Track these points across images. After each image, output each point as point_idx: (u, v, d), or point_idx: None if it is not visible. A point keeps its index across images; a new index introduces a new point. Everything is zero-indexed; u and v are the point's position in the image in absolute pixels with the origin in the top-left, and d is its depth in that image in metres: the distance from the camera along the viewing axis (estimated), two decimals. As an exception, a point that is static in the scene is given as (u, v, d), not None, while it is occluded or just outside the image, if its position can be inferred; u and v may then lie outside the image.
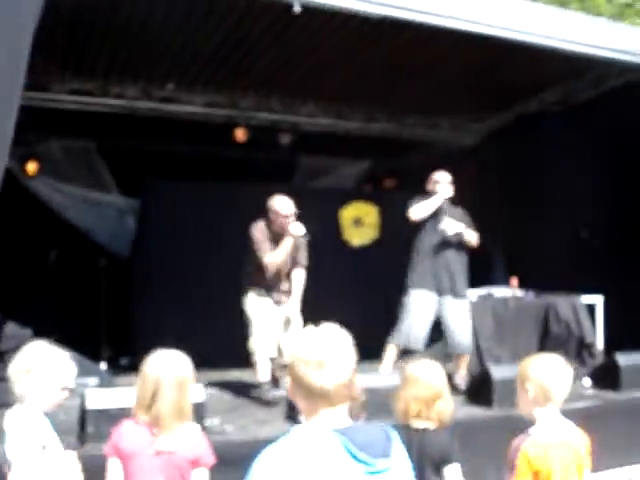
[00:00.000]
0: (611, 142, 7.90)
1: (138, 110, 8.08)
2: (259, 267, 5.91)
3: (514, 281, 7.59)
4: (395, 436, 2.04)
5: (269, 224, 5.94)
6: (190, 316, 8.00)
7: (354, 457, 1.90)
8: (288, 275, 6.07)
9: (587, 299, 7.58)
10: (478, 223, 9.39)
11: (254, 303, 5.94)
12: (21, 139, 7.98)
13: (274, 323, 5.92)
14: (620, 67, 7.13)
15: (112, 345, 8.16)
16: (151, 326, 7.58)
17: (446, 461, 3.08)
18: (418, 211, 6.33)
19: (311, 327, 2.08)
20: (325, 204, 8.99)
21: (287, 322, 5.96)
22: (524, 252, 8.72)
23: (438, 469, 3.07)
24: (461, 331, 6.42)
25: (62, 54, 7.06)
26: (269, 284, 5.98)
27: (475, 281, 7.55)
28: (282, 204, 5.86)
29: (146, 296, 8.21)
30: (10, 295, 7.36)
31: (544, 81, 8.18)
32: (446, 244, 6.46)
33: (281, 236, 5.88)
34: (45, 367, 2.98)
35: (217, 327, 7.47)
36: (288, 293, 6.05)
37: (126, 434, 2.88)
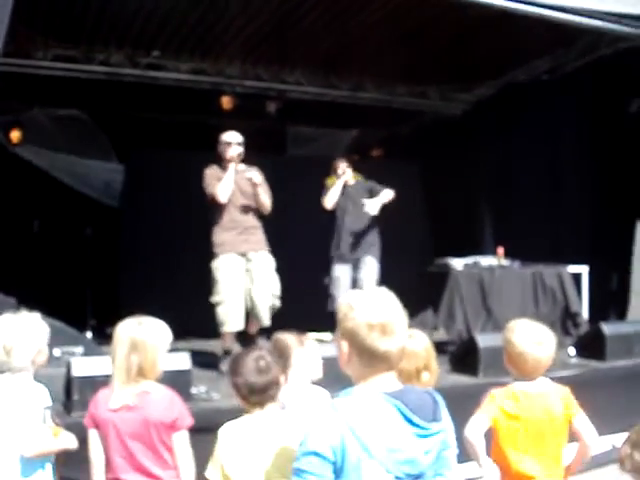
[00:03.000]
0: (598, 111, 7.89)
1: (123, 77, 7.99)
2: (219, 214, 5.90)
3: (500, 250, 7.60)
4: (441, 400, 2.06)
5: (219, 163, 5.98)
6: (176, 285, 8.00)
7: (408, 420, 1.93)
8: (253, 220, 6.02)
9: (573, 269, 7.61)
10: (465, 192, 9.44)
11: (222, 270, 5.87)
12: (4, 107, 7.94)
13: (242, 291, 5.86)
14: (611, 36, 7.09)
15: (98, 314, 8.14)
16: (137, 296, 7.56)
17: None
18: (330, 199, 6.77)
19: (363, 291, 2.07)
20: (312, 172, 8.95)
21: (257, 276, 5.91)
22: (510, 221, 8.73)
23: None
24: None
25: (45, 20, 6.95)
26: (234, 236, 5.89)
27: (462, 250, 7.58)
28: (228, 133, 5.98)
29: (132, 265, 8.20)
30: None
31: (533, 50, 8.13)
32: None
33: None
34: (23, 335, 2.99)
35: (204, 297, 7.46)
36: (257, 241, 6.00)
37: (101, 402, 2.88)
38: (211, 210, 5.99)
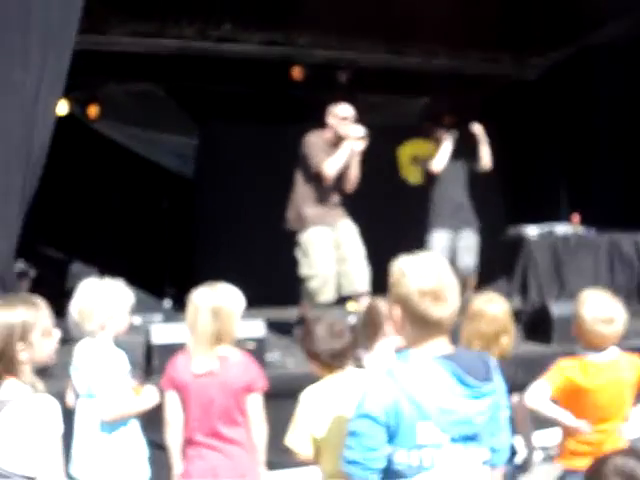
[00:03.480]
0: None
1: (195, 50, 8.07)
2: (312, 185, 5.79)
3: (575, 217, 7.45)
4: (493, 362, 2.09)
5: (325, 134, 5.82)
6: (252, 255, 8.12)
7: (461, 381, 1.97)
8: (340, 190, 5.93)
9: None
10: (540, 158, 9.23)
11: (314, 243, 5.82)
12: (81, 83, 8.14)
13: (333, 260, 5.82)
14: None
15: (175, 283, 8.34)
16: (213, 264, 7.70)
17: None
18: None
19: (415, 257, 2.09)
20: (383, 142, 8.91)
21: (342, 245, 5.87)
22: (587, 188, 8.52)
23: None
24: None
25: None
26: (324, 208, 5.83)
27: (536, 218, 7.45)
28: (341, 107, 5.81)
29: (207, 235, 8.34)
30: (76, 235, 7.59)
31: (610, 12, 7.84)
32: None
33: (337, 145, 5.71)
34: (109, 299, 3.11)
35: (279, 266, 7.56)
36: (342, 210, 5.94)
37: (179, 365, 2.98)
38: (301, 180, 5.91)
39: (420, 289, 2.00)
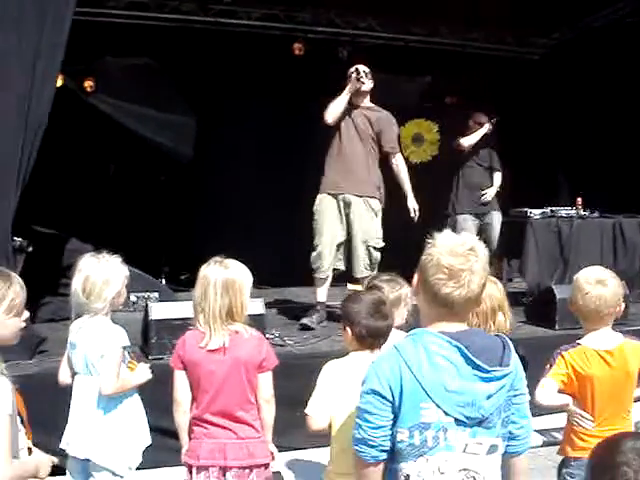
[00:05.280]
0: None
1: (194, 24, 7.94)
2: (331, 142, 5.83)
3: (579, 200, 7.37)
4: (511, 346, 2.01)
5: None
6: (251, 234, 8.03)
7: (470, 362, 1.90)
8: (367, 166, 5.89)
9: (655, 219, 7.34)
10: (543, 140, 9.15)
11: (319, 213, 5.81)
12: (76, 55, 7.99)
13: (340, 233, 5.79)
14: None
15: (171, 261, 8.26)
16: (211, 243, 7.61)
17: None
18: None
19: (453, 234, 2.04)
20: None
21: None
22: (590, 170, 8.45)
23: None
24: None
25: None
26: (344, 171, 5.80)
27: (539, 200, 7.38)
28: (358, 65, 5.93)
29: (207, 213, 8.26)
30: (71, 211, 7.49)
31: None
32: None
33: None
34: (115, 276, 3.04)
35: (278, 245, 7.50)
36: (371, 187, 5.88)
37: (189, 343, 2.90)
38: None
39: (438, 262, 1.94)
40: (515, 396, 2.00)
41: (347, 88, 5.80)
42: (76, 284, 3.02)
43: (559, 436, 3.13)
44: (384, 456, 1.94)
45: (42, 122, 4.50)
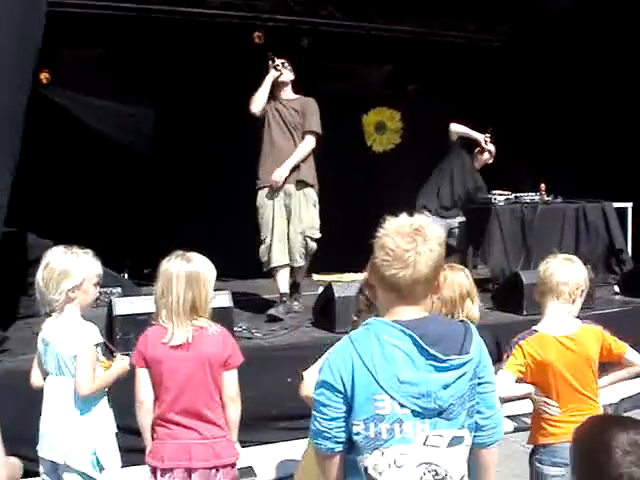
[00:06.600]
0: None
1: (153, 12, 7.80)
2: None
3: (542, 186, 7.42)
4: (475, 332, 1.95)
5: None
6: (214, 226, 7.95)
7: (424, 352, 1.84)
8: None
9: (617, 205, 7.40)
10: (505, 126, 9.17)
11: (263, 206, 5.81)
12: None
13: (283, 225, 5.79)
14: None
15: (133, 256, 8.13)
16: (174, 236, 7.51)
17: None
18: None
19: (403, 216, 1.95)
20: (347, 109, 8.78)
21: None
22: (553, 157, 8.51)
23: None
24: None
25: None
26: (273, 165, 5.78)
27: (502, 186, 7.41)
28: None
29: (169, 206, 8.16)
30: (31, 208, 7.31)
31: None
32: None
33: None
34: (76, 267, 2.95)
35: (243, 237, 7.41)
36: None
37: (151, 339, 2.83)
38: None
39: (382, 244, 1.88)
40: (480, 384, 1.93)
41: (266, 77, 5.88)
42: (38, 273, 2.95)
43: (529, 421, 3.12)
44: (340, 448, 1.90)
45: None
